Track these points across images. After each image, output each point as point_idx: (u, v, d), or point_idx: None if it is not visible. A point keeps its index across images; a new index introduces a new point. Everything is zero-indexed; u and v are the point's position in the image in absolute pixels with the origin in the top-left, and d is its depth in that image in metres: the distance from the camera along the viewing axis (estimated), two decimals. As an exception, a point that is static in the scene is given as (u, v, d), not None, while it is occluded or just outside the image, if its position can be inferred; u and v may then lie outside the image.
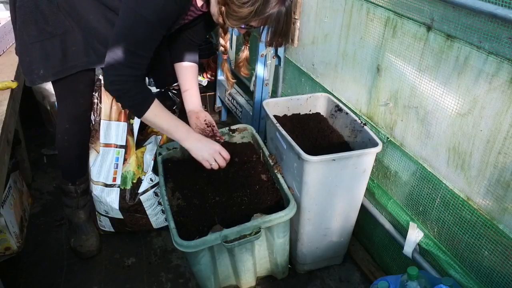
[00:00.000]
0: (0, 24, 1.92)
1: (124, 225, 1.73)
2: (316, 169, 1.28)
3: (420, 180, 1.28)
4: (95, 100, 1.58)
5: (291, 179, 1.40)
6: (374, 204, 1.53)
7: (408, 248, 1.33)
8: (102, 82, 1.53)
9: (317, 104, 1.65)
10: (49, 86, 2.22)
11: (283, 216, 1.30)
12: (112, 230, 1.76)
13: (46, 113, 2.42)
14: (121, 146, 1.63)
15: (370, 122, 1.47)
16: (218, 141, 1.53)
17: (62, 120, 1.53)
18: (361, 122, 1.42)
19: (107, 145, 1.61)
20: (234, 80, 1.54)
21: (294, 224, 1.47)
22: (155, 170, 1.65)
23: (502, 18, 0.88)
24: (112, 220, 1.71)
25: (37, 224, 1.86)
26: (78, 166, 1.63)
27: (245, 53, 1.40)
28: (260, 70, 2.01)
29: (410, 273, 1.06)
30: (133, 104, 1.31)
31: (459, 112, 1.08)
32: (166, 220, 1.74)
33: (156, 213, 1.72)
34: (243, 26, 1.23)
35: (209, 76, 2.76)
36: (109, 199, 1.63)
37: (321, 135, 1.53)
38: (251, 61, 2.07)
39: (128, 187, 1.65)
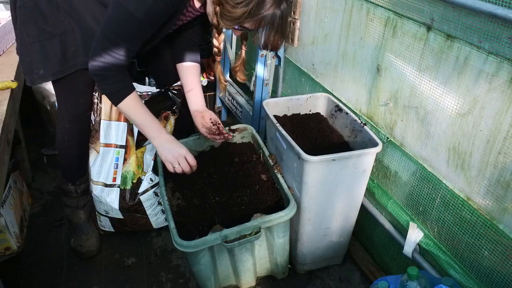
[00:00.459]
0: (0, 24, 1.92)
1: (124, 225, 1.73)
2: (316, 169, 1.28)
3: (420, 180, 1.28)
4: (95, 100, 1.58)
5: (291, 179, 1.40)
6: (374, 204, 1.53)
7: (408, 248, 1.33)
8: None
9: (317, 104, 1.65)
10: (49, 86, 2.22)
11: (283, 216, 1.30)
12: (112, 230, 1.76)
13: (46, 113, 2.41)
14: (121, 146, 1.63)
15: (370, 122, 1.47)
16: (226, 138, 1.56)
17: (62, 120, 1.53)
18: (361, 122, 1.42)
19: (107, 145, 1.61)
20: (226, 83, 1.54)
21: (294, 224, 1.47)
22: (155, 170, 1.65)
23: (502, 18, 0.88)
24: (112, 220, 1.71)
25: (37, 224, 1.86)
26: (78, 166, 1.63)
27: (241, 57, 1.40)
28: (260, 70, 2.01)
29: (410, 273, 1.06)
30: (109, 92, 1.33)
31: (459, 112, 1.08)
32: (166, 220, 1.74)
33: (156, 213, 1.72)
34: (237, 27, 1.22)
35: (209, 76, 2.76)
36: (109, 199, 1.63)
37: (321, 135, 1.53)
38: (251, 61, 2.08)
39: (128, 187, 1.65)
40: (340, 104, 1.55)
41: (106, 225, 1.74)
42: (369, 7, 1.36)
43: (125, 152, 1.64)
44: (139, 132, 1.66)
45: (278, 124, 1.40)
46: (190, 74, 1.60)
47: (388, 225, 1.46)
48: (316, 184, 1.32)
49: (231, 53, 2.30)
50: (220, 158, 1.63)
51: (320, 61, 1.73)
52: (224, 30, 1.31)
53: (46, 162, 2.29)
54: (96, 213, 1.72)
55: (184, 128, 1.84)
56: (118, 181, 1.64)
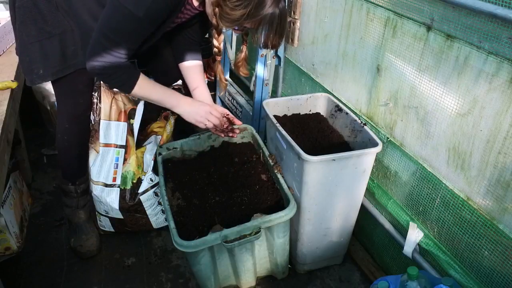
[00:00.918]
0: (0, 24, 1.92)
1: (124, 225, 1.73)
2: (316, 169, 1.28)
3: (420, 180, 1.28)
4: (95, 100, 1.58)
5: (291, 179, 1.40)
6: (374, 204, 1.53)
7: (408, 248, 1.33)
8: (102, 82, 1.54)
9: (317, 104, 1.65)
10: (49, 86, 2.22)
11: (283, 216, 1.30)
12: (112, 230, 1.76)
13: (46, 113, 2.41)
14: (121, 146, 1.63)
15: (370, 122, 1.47)
16: (232, 133, 1.57)
17: (62, 120, 1.53)
18: (361, 122, 1.42)
19: (107, 145, 1.61)
20: (226, 82, 1.55)
21: (294, 224, 1.47)
22: (155, 170, 1.65)
23: (502, 18, 0.87)
24: (112, 220, 1.71)
25: (37, 224, 1.86)
26: (78, 166, 1.63)
27: (243, 53, 1.41)
28: (260, 70, 2.01)
29: (410, 273, 1.06)
30: (119, 85, 1.35)
31: (459, 112, 1.08)
32: (166, 220, 1.74)
33: (156, 213, 1.72)
34: (237, 28, 1.23)
35: (209, 76, 2.76)
36: (109, 199, 1.63)
37: (321, 135, 1.53)
38: (251, 61, 2.08)
39: (128, 187, 1.65)
40: (340, 104, 1.55)
41: (106, 225, 1.74)
42: (369, 7, 1.36)
43: (125, 152, 1.64)
44: (139, 132, 1.66)
45: (278, 124, 1.40)
46: (193, 72, 1.60)
47: (388, 225, 1.46)
48: (316, 184, 1.32)
49: (231, 53, 2.30)
50: (220, 158, 1.63)
51: (320, 61, 1.73)
52: (224, 30, 1.31)
53: (46, 162, 2.29)
54: (96, 213, 1.72)
55: (184, 128, 1.85)
56: (118, 181, 1.64)
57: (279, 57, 2.01)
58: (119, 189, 1.64)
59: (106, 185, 1.63)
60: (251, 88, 2.14)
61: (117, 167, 1.63)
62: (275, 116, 1.51)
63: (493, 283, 1.08)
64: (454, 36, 1.04)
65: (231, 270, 1.44)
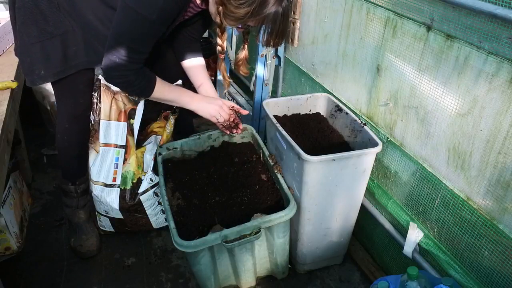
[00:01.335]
0: (0, 24, 1.92)
1: (124, 225, 1.73)
2: (316, 169, 1.28)
3: (420, 180, 1.28)
4: (95, 100, 1.57)
5: (291, 179, 1.40)
6: (374, 204, 1.53)
7: (408, 248, 1.33)
8: (102, 82, 1.54)
9: (317, 104, 1.65)
10: (49, 86, 2.22)
11: (283, 216, 1.30)
12: (112, 230, 1.76)
13: (46, 113, 2.41)
14: (121, 146, 1.63)
15: (370, 122, 1.47)
16: (237, 127, 1.61)
17: (62, 120, 1.53)
18: (361, 122, 1.42)
19: (107, 145, 1.61)
20: (230, 80, 1.57)
21: (294, 224, 1.46)
22: (155, 170, 1.65)
23: (502, 18, 0.87)
24: (112, 220, 1.71)
25: (37, 224, 1.86)
26: (78, 165, 1.63)
27: (244, 52, 1.42)
28: (260, 70, 2.01)
29: (410, 273, 1.06)
30: (139, 92, 1.40)
31: (459, 112, 1.08)
32: (166, 220, 1.74)
33: (156, 213, 1.72)
34: (240, 26, 1.24)
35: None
36: (109, 199, 1.63)
37: (321, 135, 1.53)
38: (251, 61, 2.08)
39: (128, 187, 1.65)
40: (340, 104, 1.55)
41: (106, 225, 1.74)
42: (369, 7, 1.36)
43: (125, 152, 1.63)
44: (139, 132, 1.66)
45: (278, 124, 1.40)
46: (197, 69, 1.63)
47: (388, 225, 1.46)
48: (316, 184, 1.32)
49: (231, 53, 2.30)
50: (220, 158, 1.63)
51: (320, 61, 1.73)
52: (228, 29, 1.32)
53: (46, 162, 2.29)
54: (96, 213, 1.72)
55: (184, 128, 1.85)
56: (118, 181, 1.64)
57: (279, 57, 2.01)
58: (119, 189, 1.64)
59: (106, 185, 1.63)
60: (251, 88, 2.14)
61: (117, 167, 1.63)
62: (275, 116, 1.51)
63: (493, 283, 1.08)
64: (454, 36, 1.04)
65: (231, 270, 1.44)
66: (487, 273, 1.10)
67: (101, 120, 1.59)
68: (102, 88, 1.55)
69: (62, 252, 1.72)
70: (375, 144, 1.31)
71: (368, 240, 1.66)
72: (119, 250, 1.73)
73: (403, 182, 1.36)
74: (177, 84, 1.74)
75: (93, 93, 1.56)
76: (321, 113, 1.65)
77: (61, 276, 1.62)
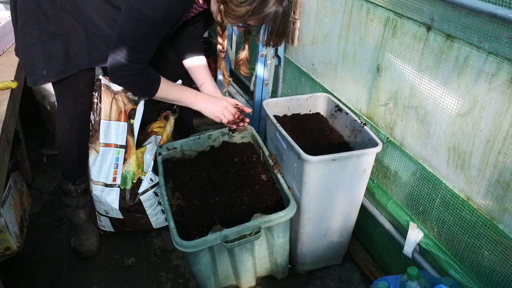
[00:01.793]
0: (0, 24, 1.92)
1: (124, 225, 1.73)
2: (316, 169, 1.28)
3: (420, 180, 1.28)
4: (95, 100, 1.57)
5: (291, 179, 1.40)
6: (374, 204, 1.53)
7: (408, 248, 1.33)
8: (102, 82, 1.54)
9: (317, 104, 1.65)
10: (49, 86, 2.22)
11: (283, 216, 1.30)
12: (112, 230, 1.76)
13: (46, 113, 2.41)
14: (121, 146, 1.63)
15: (370, 122, 1.47)
16: (241, 122, 1.59)
17: (62, 120, 1.53)
18: (361, 122, 1.42)
19: (107, 145, 1.61)
20: (230, 78, 1.57)
21: (294, 224, 1.47)
22: (155, 170, 1.65)
23: (502, 18, 0.87)
24: (112, 220, 1.71)
25: (37, 224, 1.86)
26: (78, 165, 1.63)
27: (245, 52, 1.43)
28: (260, 70, 2.01)
29: (410, 273, 1.06)
30: (143, 91, 1.40)
31: (459, 112, 1.08)
32: (166, 220, 1.74)
33: (156, 213, 1.72)
34: (241, 25, 1.25)
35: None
36: (109, 199, 1.63)
37: (321, 135, 1.53)
38: (251, 61, 2.08)
39: (128, 187, 1.65)
40: (340, 104, 1.55)
41: (106, 225, 1.74)
42: (369, 7, 1.36)
43: (125, 152, 1.63)
44: (139, 132, 1.66)
45: (278, 124, 1.40)
46: (198, 68, 1.64)
47: (388, 225, 1.46)
48: (316, 184, 1.32)
49: (231, 53, 2.30)
50: (220, 158, 1.63)
51: (320, 61, 1.73)
52: (228, 28, 1.33)
53: (46, 162, 2.29)
54: (96, 213, 1.72)
55: (184, 128, 1.85)
56: (118, 181, 1.64)
57: (279, 57, 2.01)
58: (119, 189, 1.64)
59: (106, 185, 1.63)
60: (251, 88, 2.14)
61: (117, 167, 1.63)
62: (275, 116, 1.51)
63: (493, 283, 1.08)
64: (454, 36, 1.04)
65: (231, 270, 1.44)
66: (487, 273, 1.10)
67: (101, 120, 1.59)
68: (102, 88, 1.55)
69: (62, 252, 1.73)
70: (375, 144, 1.31)
71: (368, 240, 1.66)
72: (119, 250, 1.73)
73: (403, 182, 1.36)
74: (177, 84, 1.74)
75: (93, 93, 1.56)
76: (321, 113, 1.65)
77: (61, 276, 1.62)
